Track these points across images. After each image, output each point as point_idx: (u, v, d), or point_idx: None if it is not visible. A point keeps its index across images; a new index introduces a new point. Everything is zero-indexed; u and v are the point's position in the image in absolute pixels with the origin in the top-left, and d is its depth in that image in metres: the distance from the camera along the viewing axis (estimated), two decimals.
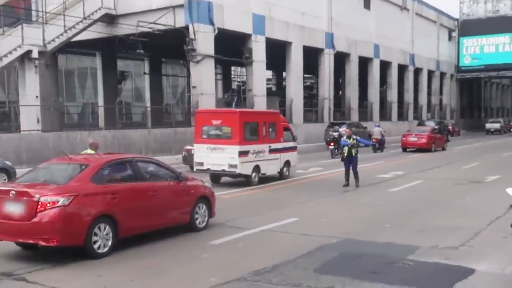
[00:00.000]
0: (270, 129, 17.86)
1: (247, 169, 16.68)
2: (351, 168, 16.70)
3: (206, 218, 10.67)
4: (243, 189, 16.18)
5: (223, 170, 16.67)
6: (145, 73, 41.19)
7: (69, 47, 33.64)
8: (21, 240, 8.44)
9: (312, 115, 41.15)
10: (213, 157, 16.60)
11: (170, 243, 9.57)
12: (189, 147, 20.57)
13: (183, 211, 10.18)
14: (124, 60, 42.38)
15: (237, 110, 18.53)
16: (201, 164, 16.86)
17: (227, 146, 16.41)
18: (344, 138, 17.30)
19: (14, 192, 8.28)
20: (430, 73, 60.88)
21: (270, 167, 17.79)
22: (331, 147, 26.99)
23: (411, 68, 55.08)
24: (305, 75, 50.71)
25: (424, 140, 31.64)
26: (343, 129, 17.57)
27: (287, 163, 18.69)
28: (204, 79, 28.70)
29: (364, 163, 22.19)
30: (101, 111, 34.77)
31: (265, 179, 17.75)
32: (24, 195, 8.18)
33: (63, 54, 35.07)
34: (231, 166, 16.36)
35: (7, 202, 8.27)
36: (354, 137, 17.01)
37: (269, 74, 56.35)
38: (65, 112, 42.97)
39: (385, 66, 49.96)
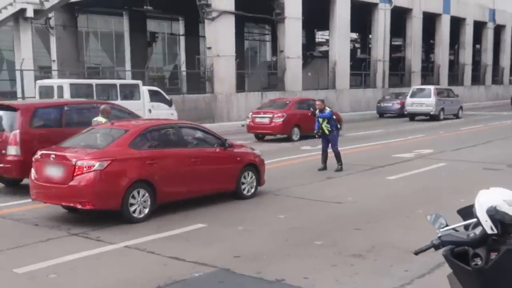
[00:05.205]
0: None
1: None
2: (329, 148, 13.13)
3: (254, 186, 10.32)
4: None
5: None
6: (172, 33, 38.18)
7: (92, 6, 31.34)
8: (61, 203, 8.64)
9: (362, 79, 36.73)
10: None
11: None
12: None
13: (228, 178, 9.92)
14: (155, 21, 39.56)
15: None
16: None
17: None
18: (317, 112, 13.49)
19: (54, 156, 8.50)
20: None
21: None
22: None
23: (490, 25, 48.48)
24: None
25: None
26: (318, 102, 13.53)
27: None
28: (221, 39, 25.31)
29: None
30: (128, 76, 32.34)
31: None
32: (63, 158, 8.38)
33: (83, 14, 32.71)
34: None
35: (48, 166, 8.49)
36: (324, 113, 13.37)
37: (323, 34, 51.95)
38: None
39: (457, 23, 44.01)
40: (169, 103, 21.05)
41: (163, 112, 18.33)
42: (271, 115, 19.72)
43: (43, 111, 11.41)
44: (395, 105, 30.58)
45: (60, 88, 18.62)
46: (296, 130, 19.81)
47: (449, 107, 29.49)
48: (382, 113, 31.46)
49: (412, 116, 29.28)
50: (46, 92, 19.00)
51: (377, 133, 22.62)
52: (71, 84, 18.98)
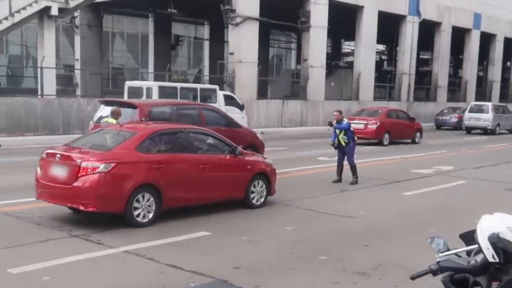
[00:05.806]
0: None
1: None
2: (345, 160, 12.83)
3: (264, 196, 10.09)
4: None
5: None
6: (196, 37, 38.17)
7: (117, 7, 31.52)
8: (64, 204, 8.48)
9: (387, 92, 36.30)
10: None
11: None
12: None
13: (237, 186, 9.72)
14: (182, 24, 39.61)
15: None
16: None
17: None
18: (334, 123, 13.20)
19: (59, 156, 8.40)
20: None
21: None
22: None
23: None
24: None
25: None
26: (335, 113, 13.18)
27: None
28: (244, 44, 25.22)
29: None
30: (151, 78, 32.41)
31: None
32: (68, 159, 8.27)
33: (109, 15, 32.89)
34: None
35: (54, 165, 8.40)
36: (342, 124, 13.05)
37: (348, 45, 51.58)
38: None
39: (487, 39, 43.30)
40: (241, 107, 22.64)
41: (235, 116, 19.61)
42: (365, 122, 21.85)
43: (157, 109, 13.02)
44: (453, 118, 32.89)
45: (149, 89, 19.80)
46: (386, 136, 22.06)
47: (505, 123, 31.55)
48: (439, 125, 33.76)
49: (469, 130, 31.17)
50: (134, 92, 19.90)
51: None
52: (159, 86, 20.12)
